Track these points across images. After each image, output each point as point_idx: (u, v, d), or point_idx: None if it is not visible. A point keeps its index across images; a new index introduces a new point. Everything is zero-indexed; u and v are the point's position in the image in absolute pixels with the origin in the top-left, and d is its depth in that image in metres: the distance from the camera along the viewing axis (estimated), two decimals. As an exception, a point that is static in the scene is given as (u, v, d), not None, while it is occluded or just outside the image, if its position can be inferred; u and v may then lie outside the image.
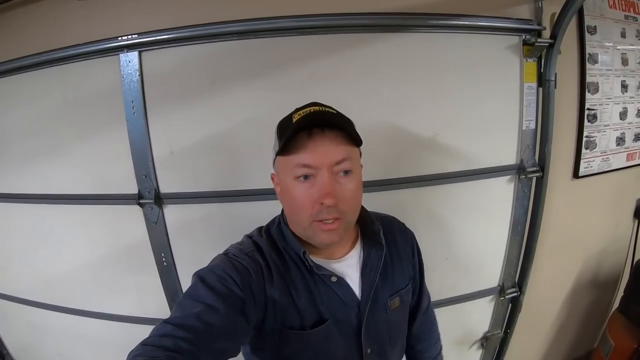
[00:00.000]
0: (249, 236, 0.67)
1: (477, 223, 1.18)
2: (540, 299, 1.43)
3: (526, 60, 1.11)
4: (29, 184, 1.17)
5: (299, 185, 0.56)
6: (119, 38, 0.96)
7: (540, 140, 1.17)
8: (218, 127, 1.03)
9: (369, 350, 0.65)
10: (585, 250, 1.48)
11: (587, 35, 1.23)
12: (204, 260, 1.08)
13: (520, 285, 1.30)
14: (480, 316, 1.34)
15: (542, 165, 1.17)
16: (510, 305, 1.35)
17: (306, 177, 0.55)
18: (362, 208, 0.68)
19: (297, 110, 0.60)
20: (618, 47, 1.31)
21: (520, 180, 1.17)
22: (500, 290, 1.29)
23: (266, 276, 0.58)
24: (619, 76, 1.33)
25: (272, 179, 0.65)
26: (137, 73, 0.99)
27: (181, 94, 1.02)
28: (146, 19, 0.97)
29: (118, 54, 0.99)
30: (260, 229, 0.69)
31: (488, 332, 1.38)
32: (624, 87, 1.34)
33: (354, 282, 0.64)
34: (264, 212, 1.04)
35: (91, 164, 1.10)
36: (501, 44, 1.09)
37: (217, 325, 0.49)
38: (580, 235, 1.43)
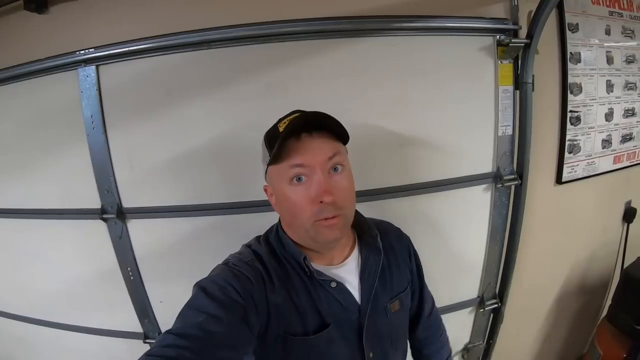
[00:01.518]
0: (248, 245, 0.66)
1: (453, 234, 1.10)
2: (525, 306, 1.36)
3: (501, 62, 1.03)
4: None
5: (295, 189, 0.56)
6: (77, 52, 0.95)
7: (518, 146, 1.09)
8: (176, 140, 1.00)
9: (371, 355, 0.64)
10: (572, 256, 1.40)
11: (568, 33, 1.14)
12: (170, 274, 1.10)
13: (501, 296, 1.22)
14: (460, 327, 1.27)
15: (521, 173, 1.09)
16: (491, 315, 1.28)
17: (299, 178, 0.56)
18: (359, 214, 0.69)
19: (281, 119, 0.60)
20: (602, 45, 1.21)
21: (497, 189, 1.09)
22: (480, 301, 1.22)
23: (267, 284, 0.58)
24: (604, 75, 1.23)
25: (266, 190, 0.65)
26: (95, 87, 0.97)
27: (139, 107, 0.99)
28: (105, 32, 0.95)
29: (77, 69, 0.97)
30: (258, 237, 0.68)
31: (469, 343, 1.31)
32: (610, 86, 1.25)
33: (354, 287, 0.64)
34: (228, 227, 1.03)
35: (57, 179, 1.09)
36: (473, 45, 1.01)
37: (220, 334, 0.48)
38: (565, 242, 1.35)
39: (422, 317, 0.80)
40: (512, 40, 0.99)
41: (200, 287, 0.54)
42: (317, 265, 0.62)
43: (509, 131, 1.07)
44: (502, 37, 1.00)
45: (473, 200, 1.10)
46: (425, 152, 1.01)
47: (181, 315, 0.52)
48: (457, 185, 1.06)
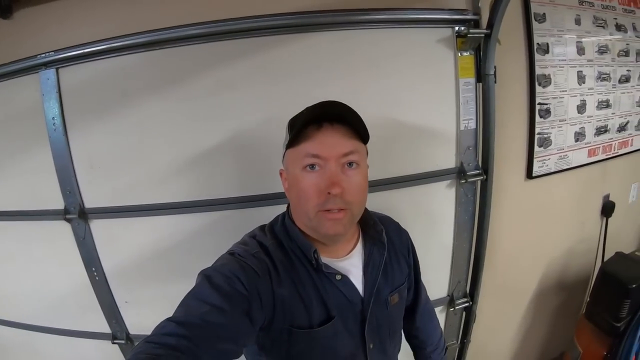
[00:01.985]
0: (252, 236, 0.65)
1: (416, 232, 1.05)
2: (501, 304, 1.33)
3: (461, 54, 0.99)
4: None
5: (306, 175, 0.56)
6: (38, 56, 0.95)
7: (482, 141, 1.06)
8: (132, 141, 1.00)
9: (371, 346, 0.66)
10: (548, 253, 1.37)
11: (534, 23, 1.10)
12: (133, 274, 1.08)
13: (472, 294, 1.19)
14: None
15: (486, 168, 1.06)
16: (463, 314, 1.24)
17: (313, 166, 0.56)
18: (365, 208, 0.67)
19: (308, 108, 0.60)
20: (572, 36, 1.18)
21: (462, 185, 1.06)
22: (450, 300, 1.18)
23: (274, 277, 0.57)
24: (575, 67, 1.20)
25: (281, 174, 0.66)
26: (55, 90, 0.98)
27: (96, 109, 0.99)
28: (65, 35, 0.95)
29: (38, 72, 0.97)
30: (262, 227, 0.67)
31: (442, 343, 1.27)
32: (581, 78, 1.21)
33: (357, 279, 0.64)
34: (188, 226, 1.02)
35: (22, 181, 1.09)
36: (431, 37, 0.97)
37: (221, 327, 0.48)
38: (540, 238, 1.31)
39: (419, 305, 0.82)
40: (471, 31, 0.95)
41: (206, 276, 0.53)
42: (322, 257, 0.62)
43: (472, 125, 1.03)
44: (461, 28, 0.97)
45: (436, 197, 1.07)
46: (383, 149, 0.97)
47: (184, 304, 0.50)
48: (418, 181, 1.03)
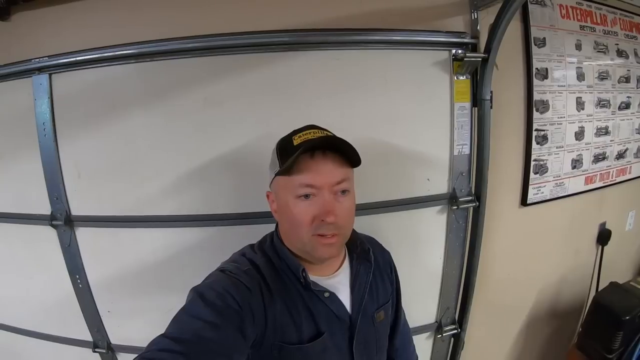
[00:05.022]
0: (242, 254, 0.64)
1: (406, 257, 1.00)
2: (490, 332, 1.27)
3: (457, 78, 0.94)
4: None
5: (300, 203, 0.56)
6: (32, 60, 0.93)
7: (476, 167, 1.00)
8: (119, 152, 0.97)
9: None
10: (541, 280, 1.30)
11: (534, 48, 1.05)
12: (117, 285, 1.04)
13: (461, 322, 1.13)
14: (418, 353, 1.17)
15: (479, 194, 1.00)
16: (451, 341, 1.18)
17: (307, 196, 0.56)
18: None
19: (296, 132, 0.60)
20: (572, 61, 1.12)
21: (453, 211, 1.00)
22: (438, 327, 1.12)
23: (265, 293, 0.57)
24: (574, 92, 1.14)
25: (268, 196, 0.66)
26: (47, 95, 0.96)
27: (86, 117, 0.97)
28: (60, 41, 0.93)
29: (31, 76, 0.95)
30: (252, 245, 0.67)
31: (429, 369, 1.21)
32: (580, 104, 1.16)
33: (345, 296, 0.64)
34: (175, 240, 0.99)
35: (10, 183, 1.07)
36: (427, 60, 0.93)
37: (215, 342, 0.47)
38: (533, 265, 1.25)
39: (398, 325, 0.81)
40: (467, 55, 0.91)
41: (198, 293, 0.52)
42: (310, 275, 0.62)
43: (466, 150, 0.98)
44: (458, 51, 0.92)
45: (427, 222, 1.01)
46: (374, 172, 0.93)
47: (177, 320, 0.50)
48: (409, 206, 0.97)
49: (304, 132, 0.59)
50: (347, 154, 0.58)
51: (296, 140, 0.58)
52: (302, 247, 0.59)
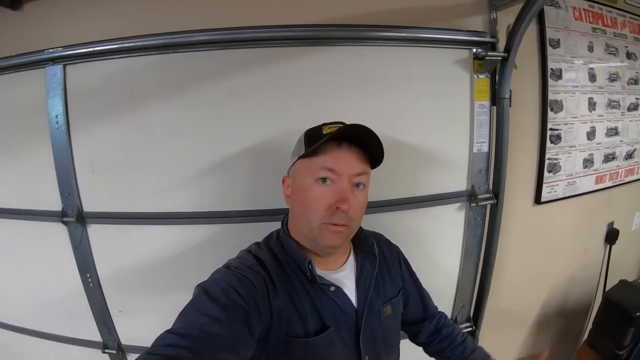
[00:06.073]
0: (248, 250, 0.65)
1: (423, 254, 1.00)
2: (502, 329, 1.26)
3: (477, 76, 0.95)
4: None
5: (318, 187, 0.57)
6: (46, 50, 0.90)
7: (494, 164, 1.00)
8: (136, 146, 0.94)
9: (367, 358, 0.64)
10: (551, 279, 1.31)
11: (549, 48, 1.06)
12: (129, 284, 1.00)
13: (476, 319, 1.12)
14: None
15: (497, 192, 1.00)
16: (466, 339, 1.17)
17: (325, 180, 0.57)
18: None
19: (326, 124, 0.62)
20: (584, 62, 1.13)
21: (472, 208, 1.00)
22: (453, 325, 1.11)
23: (270, 288, 0.57)
24: (586, 93, 1.15)
25: (283, 181, 0.67)
26: (61, 87, 0.92)
27: (102, 110, 0.93)
28: (74, 31, 0.90)
29: (45, 67, 0.92)
30: (257, 243, 0.68)
31: (443, 367, 1.20)
32: (592, 104, 1.17)
33: (350, 291, 0.65)
34: (189, 237, 0.96)
35: (20, 178, 1.03)
36: (448, 58, 0.92)
37: (221, 337, 0.47)
38: (544, 263, 1.25)
39: (428, 313, 0.81)
40: (489, 54, 0.91)
41: (203, 289, 0.52)
42: (317, 269, 0.62)
43: (485, 148, 0.98)
44: (479, 50, 0.92)
45: (445, 220, 1.01)
46: (393, 168, 0.92)
47: (183, 316, 0.50)
48: (428, 203, 0.97)
49: (333, 125, 0.61)
50: (371, 151, 0.59)
51: (325, 130, 0.60)
52: (309, 233, 0.59)
